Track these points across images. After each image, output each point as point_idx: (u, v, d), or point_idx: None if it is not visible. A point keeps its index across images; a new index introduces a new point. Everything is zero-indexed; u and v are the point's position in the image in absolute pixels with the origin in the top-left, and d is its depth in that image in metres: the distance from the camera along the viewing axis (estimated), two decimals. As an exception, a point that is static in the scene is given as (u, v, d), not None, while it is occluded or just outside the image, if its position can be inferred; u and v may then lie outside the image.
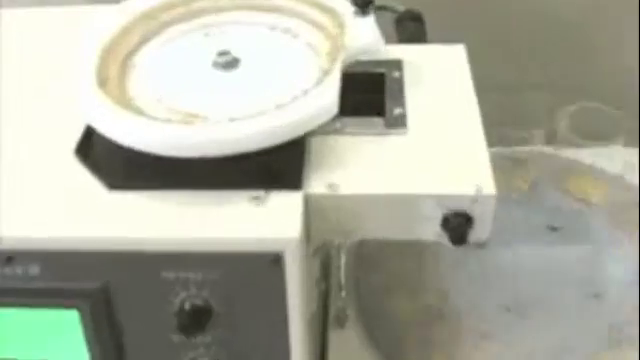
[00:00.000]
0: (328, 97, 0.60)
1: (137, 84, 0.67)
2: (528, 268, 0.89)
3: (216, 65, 0.68)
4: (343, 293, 0.85)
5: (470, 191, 0.60)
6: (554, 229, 0.97)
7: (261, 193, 0.60)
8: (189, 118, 0.61)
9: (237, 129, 0.58)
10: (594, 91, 1.07)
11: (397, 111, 0.69)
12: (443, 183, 0.61)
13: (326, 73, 0.64)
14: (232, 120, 0.59)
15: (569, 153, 1.04)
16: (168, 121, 0.60)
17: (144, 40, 0.72)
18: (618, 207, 0.98)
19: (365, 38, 0.67)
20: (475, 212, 0.61)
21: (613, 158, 1.02)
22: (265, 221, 0.56)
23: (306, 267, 0.61)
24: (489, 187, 0.61)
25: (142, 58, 0.68)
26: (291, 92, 0.63)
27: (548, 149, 1.03)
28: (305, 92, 0.62)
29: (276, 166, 0.61)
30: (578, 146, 1.02)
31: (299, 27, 0.72)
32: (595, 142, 1.00)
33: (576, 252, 0.93)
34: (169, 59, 0.70)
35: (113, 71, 0.67)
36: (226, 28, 0.73)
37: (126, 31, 0.71)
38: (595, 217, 0.98)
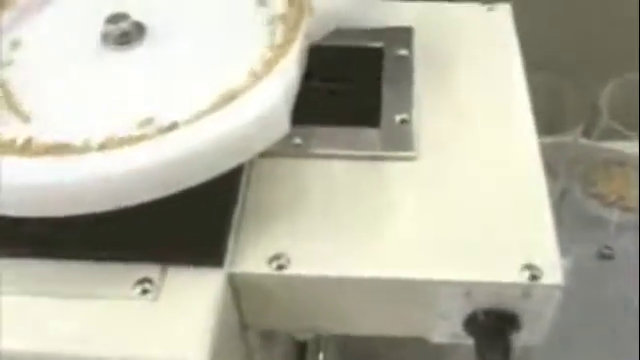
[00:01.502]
0: (271, 102, 0.34)
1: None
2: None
3: (106, 38, 0.41)
4: (321, 356, 0.60)
5: (520, 277, 0.34)
6: (605, 257, 0.71)
7: (154, 273, 0.34)
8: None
9: (95, 165, 0.32)
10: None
11: (400, 117, 0.42)
12: (472, 261, 0.35)
13: (276, 56, 0.37)
14: (99, 148, 0.33)
15: (610, 146, 0.76)
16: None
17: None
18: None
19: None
20: (525, 309, 0.35)
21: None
22: (155, 328, 0.34)
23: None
24: (552, 271, 0.35)
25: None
26: (218, 89, 0.36)
27: (583, 142, 0.75)
28: (238, 91, 0.35)
29: (180, 226, 0.35)
30: (622, 138, 0.73)
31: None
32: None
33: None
34: (46, 21, 0.43)
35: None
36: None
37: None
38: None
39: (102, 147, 0.33)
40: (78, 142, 0.33)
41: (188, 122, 0.33)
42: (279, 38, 0.39)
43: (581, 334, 0.64)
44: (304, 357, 0.57)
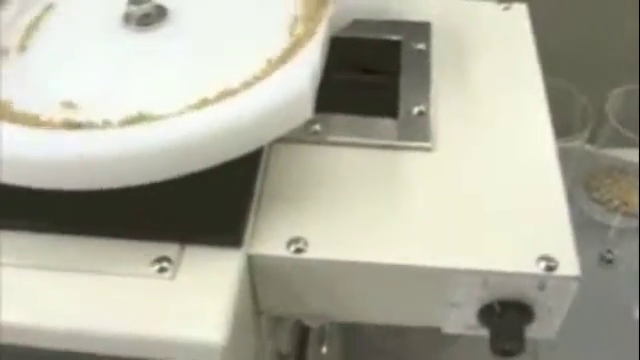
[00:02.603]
0: (296, 86, 0.34)
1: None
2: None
3: (128, 20, 0.41)
4: (324, 349, 0.60)
5: (535, 268, 0.35)
6: (608, 261, 0.71)
7: (172, 251, 0.34)
8: (60, 114, 0.35)
9: (117, 142, 0.32)
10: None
11: (418, 109, 0.42)
12: (488, 251, 0.35)
13: (299, 43, 0.37)
14: (120, 124, 0.33)
15: (616, 153, 0.77)
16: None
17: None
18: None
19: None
20: (540, 301, 0.36)
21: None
22: (172, 307, 0.34)
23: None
24: (569, 263, 0.35)
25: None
26: (240, 73, 0.36)
27: (589, 148, 0.75)
28: (261, 74, 0.35)
29: (199, 206, 0.35)
30: (627, 144, 0.73)
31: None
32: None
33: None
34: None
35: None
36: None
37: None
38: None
39: (124, 123, 0.33)
40: (98, 120, 0.33)
41: (211, 102, 0.34)
42: (302, 26, 0.39)
43: (578, 336, 0.64)
44: (305, 344, 0.57)
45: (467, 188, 0.39)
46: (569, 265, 0.35)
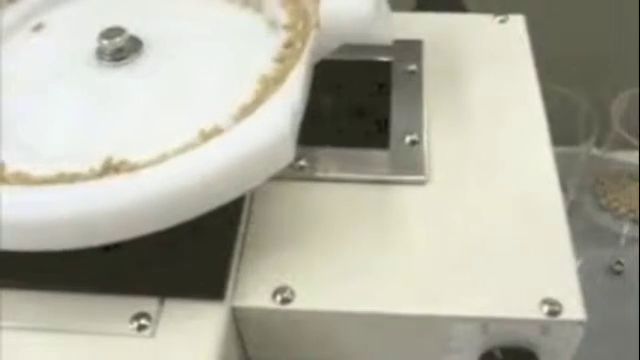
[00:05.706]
0: (275, 129, 0.31)
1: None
2: None
3: (101, 55, 0.39)
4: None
5: (538, 313, 0.32)
6: (616, 272, 0.68)
7: (151, 307, 0.32)
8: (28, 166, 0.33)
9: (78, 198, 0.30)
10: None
11: (410, 138, 0.40)
12: (487, 295, 0.33)
13: (282, 74, 0.35)
14: (94, 177, 0.31)
15: (621, 157, 0.74)
16: None
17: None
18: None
19: (351, 7, 0.37)
20: (543, 346, 0.33)
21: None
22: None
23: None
24: (573, 304, 0.33)
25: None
26: (217, 113, 0.34)
27: (595, 152, 0.73)
28: (239, 114, 0.33)
29: (179, 257, 0.33)
30: (633, 149, 0.71)
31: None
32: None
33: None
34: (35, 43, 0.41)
35: None
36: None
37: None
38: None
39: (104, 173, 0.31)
40: (84, 169, 0.31)
41: (183, 150, 0.32)
42: (284, 55, 0.36)
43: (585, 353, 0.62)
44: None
45: (463, 225, 0.36)
46: (574, 308, 0.33)
